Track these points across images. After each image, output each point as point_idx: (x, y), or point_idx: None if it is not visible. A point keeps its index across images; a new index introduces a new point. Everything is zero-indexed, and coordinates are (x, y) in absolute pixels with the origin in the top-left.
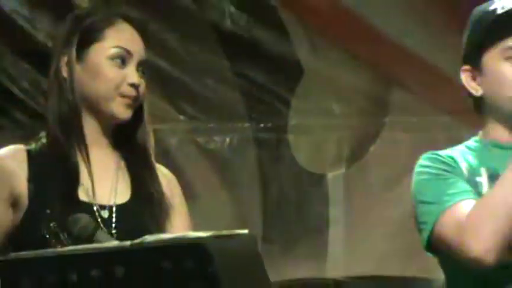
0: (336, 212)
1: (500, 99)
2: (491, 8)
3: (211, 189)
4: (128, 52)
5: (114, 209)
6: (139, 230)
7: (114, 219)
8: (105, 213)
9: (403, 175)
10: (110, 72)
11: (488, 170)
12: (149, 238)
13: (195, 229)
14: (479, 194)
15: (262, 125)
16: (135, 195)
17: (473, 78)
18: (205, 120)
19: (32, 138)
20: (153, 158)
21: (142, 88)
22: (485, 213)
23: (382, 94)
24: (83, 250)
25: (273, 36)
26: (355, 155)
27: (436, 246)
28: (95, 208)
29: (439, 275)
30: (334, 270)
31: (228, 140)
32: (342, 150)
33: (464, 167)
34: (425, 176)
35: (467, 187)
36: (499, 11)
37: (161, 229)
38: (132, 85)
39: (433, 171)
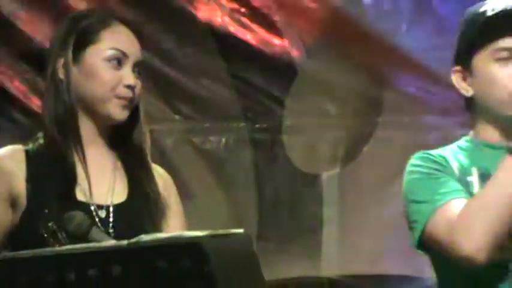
0: (330, 211)
1: (490, 100)
2: (482, 9)
3: (207, 188)
4: (124, 54)
5: (111, 208)
6: (136, 230)
7: (111, 219)
8: (102, 213)
9: (397, 175)
10: (106, 74)
11: (479, 169)
12: (145, 237)
13: (191, 228)
14: (470, 193)
15: (257, 126)
16: (131, 195)
17: (464, 79)
18: (201, 120)
19: (29, 138)
20: (149, 158)
21: (138, 89)
22: (477, 213)
23: (375, 94)
24: (81, 249)
25: (268, 38)
26: (349, 155)
27: (428, 244)
28: (92, 208)
29: (432, 274)
30: (328, 269)
31: (223, 140)
32: (335, 150)
33: (455, 166)
34: (416, 176)
35: (458, 186)
36: (489, 13)
37: (157, 228)
38: (128, 86)
39: (425, 170)
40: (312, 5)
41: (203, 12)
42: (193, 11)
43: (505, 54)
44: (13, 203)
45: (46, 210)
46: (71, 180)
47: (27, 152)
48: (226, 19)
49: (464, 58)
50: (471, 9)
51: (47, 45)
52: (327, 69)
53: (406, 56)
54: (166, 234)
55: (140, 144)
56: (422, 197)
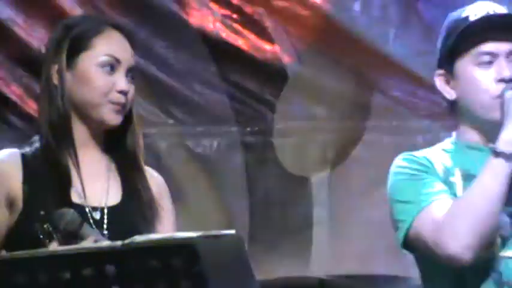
0: (320, 212)
1: (473, 103)
2: (464, 15)
3: (200, 190)
4: (117, 60)
5: (105, 210)
6: (130, 231)
7: (105, 221)
8: (96, 215)
9: (385, 177)
10: (99, 79)
11: (461, 170)
12: (139, 238)
13: (184, 229)
14: (453, 194)
15: (248, 129)
16: (125, 197)
17: (447, 82)
18: (194, 124)
19: (26, 142)
20: (142, 161)
21: (131, 94)
22: (462, 212)
23: (364, 99)
24: (76, 250)
25: (259, 43)
26: (338, 157)
27: (413, 244)
28: (87, 210)
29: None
30: (318, 268)
31: (215, 143)
32: (325, 153)
33: (439, 167)
34: (401, 176)
35: (443, 187)
36: (472, 18)
37: (151, 230)
38: (121, 92)
39: (409, 171)
40: (303, 11)
41: (195, 18)
42: (186, 17)
43: (487, 58)
44: (10, 204)
45: (42, 212)
46: (66, 183)
47: (23, 156)
48: (218, 25)
49: (447, 62)
50: (453, 14)
51: (43, 50)
52: (317, 74)
53: (394, 61)
54: (160, 235)
55: (134, 148)
56: (408, 198)
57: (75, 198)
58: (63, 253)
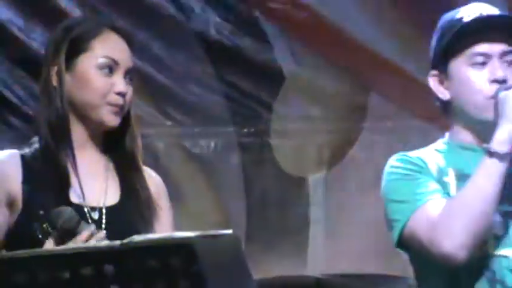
0: (316, 212)
1: (466, 103)
2: (458, 16)
3: (197, 190)
4: (115, 62)
5: (104, 210)
6: (128, 231)
7: (104, 220)
8: (95, 215)
9: (380, 177)
10: (98, 81)
11: (455, 170)
12: (137, 238)
13: (181, 229)
14: (447, 193)
15: (245, 130)
16: (124, 197)
17: (441, 83)
18: (191, 125)
19: (25, 142)
20: (140, 161)
21: (129, 95)
22: (457, 211)
23: (360, 100)
24: (75, 249)
25: (256, 45)
26: (335, 158)
27: (408, 243)
28: (85, 210)
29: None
30: (314, 267)
31: (213, 144)
32: (322, 153)
33: (432, 167)
34: (396, 176)
35: (437, 186)
36: (466, 19)
37: (149, 229)
38: (119, 93)
39: (404, 171)
40: (299, 13)
41: (193, 20)
42: (183, 19)
43: (480, 59)
44: (10, 205)
45: (41, 212)
46: (65, 183)
47: (22, 156)
48: (216, 27)
49: (441, 62)
50: (447, 16)
51: (43, 51)
52: (314, 75)
53: (390, 62)
54: (158, 235)
55: (132, 148)
56: (402, 197)
57: (74, 198)
58: (63, 252)
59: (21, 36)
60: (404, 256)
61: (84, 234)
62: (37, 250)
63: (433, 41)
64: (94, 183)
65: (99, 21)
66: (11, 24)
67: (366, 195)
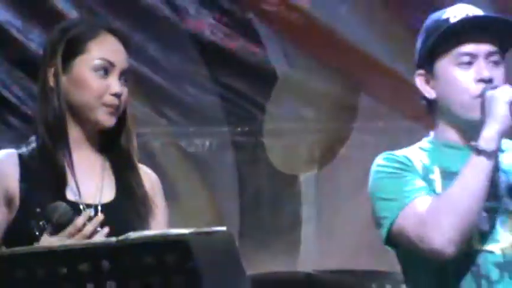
0: (308, 210)
1: (452, 102)
2: (445, 16)
3: (192, 188)
4: (111, 63)
5: (99, 207)
6: (124, 227)
7: None
8: (90, 212)
9: None
10: (94, 83)
11: (440, 168)
12: (133, 235)
13: (176, 226)
14: (433, 190)
15: (239, 129)
16: (119, 195)
17: (427, 82)
18: (186, 124)
19: (24, 142)
20: (136, 160)
21: (124, 96)
22: (446, 207)
23: (350, 100)
24: (72, 246)
25: (249, 47)
26: (326, 157)
27: (396, 240)
28: (81, 207)
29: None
30: (306, 264)
31: (207, 143)
32: (313, 153)
33: (418, 165)
34: (383, 175)
35: (423, 184)
36: (452, 20)
37: (144, 226)
38: (115, 94)
39: (390, 170)
40: (292, 15)
41: (188, 22)
42: (179, 21)
43: (466, 59)
44: (8, 203)
45: (38, 210)
46: (61, 181)
47: (20, 155)
48: (210, 28)
49: (427, 62)
50: (433, 16)
51: (41, 52)
52: (305, 76)
53: (381, 63)
54: (153, 231)
55: (128, 147)
56: (390, 195)
57: (70, 196)
58: (60, 249)
59: (19, 37)
60: (393, 252)
61: (81, 218)
62: (35, 247)
63: (419, 41)
64: (90, 182)
65: (96, 23)
66: (10, 26)
67: (356, 194)
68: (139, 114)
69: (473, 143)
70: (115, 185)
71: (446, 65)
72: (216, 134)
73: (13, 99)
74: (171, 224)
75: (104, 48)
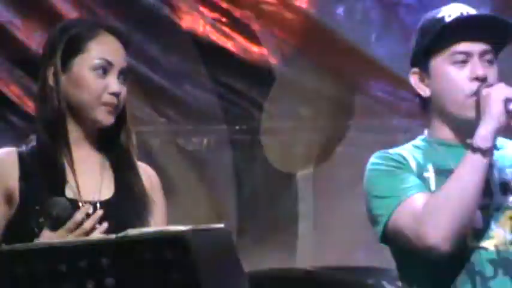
0: (304, 207)
1: (447, 101)
2: (439, 16)
3: (190, 186)
4: (109, 63)
5: (98, 205)
6: (123, 224)
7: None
8: (90, 209)
9: None
10: (92, 82)
11: (434, 166)
12: (132, 231)
13: (175, 223)
14: (427, 188)
15: (237, 127)
16: (118, 192)
17: (422, 80)
18: (185, 123)
19: (25, 140)
20: (135, 158)
21: (123, 95)
22: (441, 205)
23: (347, 99)
24: (71, 242)
25: (247, 46)
26: (322, 155)
27: (392, 237)
28: (80, 204)
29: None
30: (303, 261)
31: (205, 141)
32: (310, 151)
33: (412, 163)
34: (377, 173)
35: (418, 181)
36: (447, 19)
37: (143, 223)
38: (113, 94)
39: (385, 168)
40: (289, 15)
41: (186, 22)
42: (177, 21)
43: (461, 57)
44: (8, 200)
45: (37, 207)
46: (61, 179)
47: (20, 154)
48: (208, 28)
49: (421, 61)
50: (428, 16)
51: (41, 52)
52: (303, 75)
53: (376, 63)
54: (152, 228)
55: (127, 145)
56: (385, 193)
57: (69, 193)
58: (60, 246)
59: (20, 36)
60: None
61: (80, 213)
62: (35, 243)
63: (414, 40)
64: (89, 180)
65: (95, 23)
66: (10, 25)
67: (351, 191)
68: (137, 113)
69: (469, 141)
70: (114, 183)
71: (441, 64)
72: (214, 132)
73: (14, 98)
74: (170, 221)
75: (103, 48)
